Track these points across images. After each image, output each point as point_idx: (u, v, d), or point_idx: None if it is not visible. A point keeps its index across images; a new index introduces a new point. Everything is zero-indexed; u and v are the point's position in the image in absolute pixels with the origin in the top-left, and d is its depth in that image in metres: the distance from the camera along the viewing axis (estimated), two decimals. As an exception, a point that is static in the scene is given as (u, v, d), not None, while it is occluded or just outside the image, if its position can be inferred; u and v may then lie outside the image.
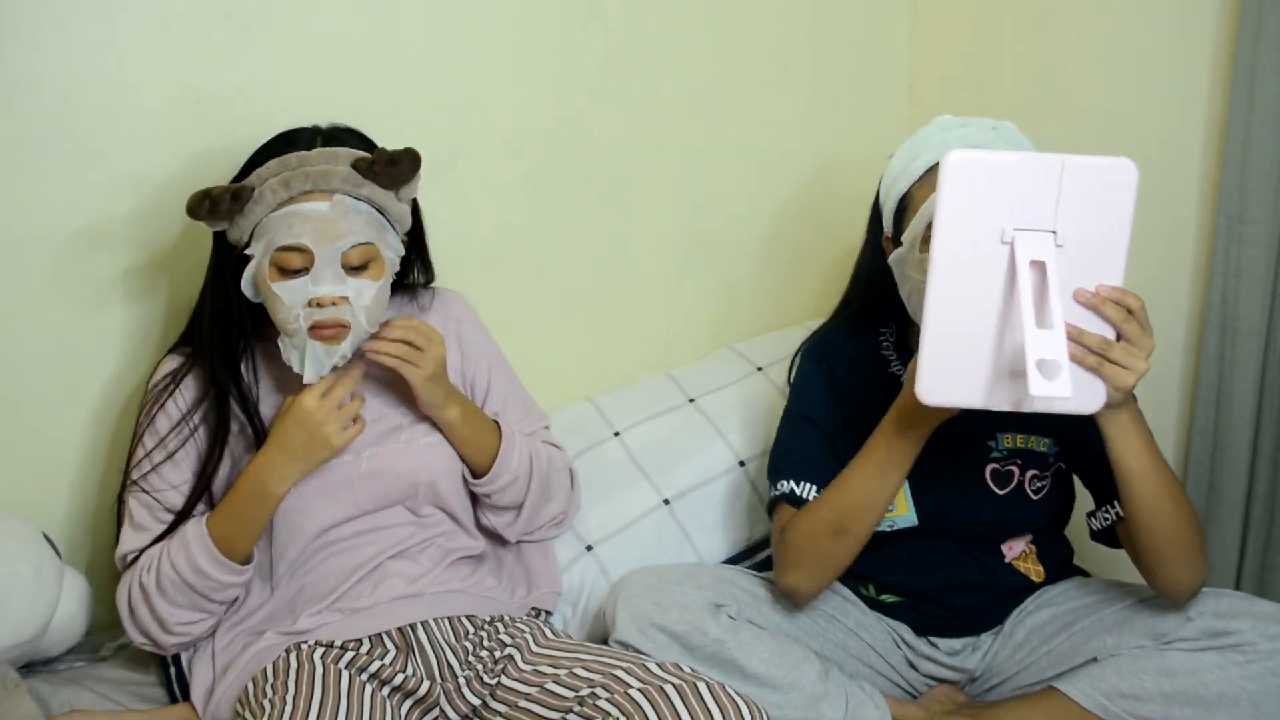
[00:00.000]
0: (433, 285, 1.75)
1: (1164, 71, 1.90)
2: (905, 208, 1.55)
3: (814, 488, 1.61)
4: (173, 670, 1.64)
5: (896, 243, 1.57)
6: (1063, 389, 1.26)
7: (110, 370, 1.76)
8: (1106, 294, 1.34)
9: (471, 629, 1.60)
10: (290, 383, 1.57)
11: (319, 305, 1.48)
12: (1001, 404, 1.36)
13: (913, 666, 1.70)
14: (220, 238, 1.56)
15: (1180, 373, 1.94)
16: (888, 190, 1.60)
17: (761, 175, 2.24)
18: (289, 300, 1.49)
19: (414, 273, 1.72)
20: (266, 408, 1.62)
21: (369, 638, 1.56)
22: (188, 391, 1.60)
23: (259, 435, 1.58)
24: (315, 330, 1.50)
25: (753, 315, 2.29)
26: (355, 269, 1.51)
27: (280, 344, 1.54)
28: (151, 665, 1.69)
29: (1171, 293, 1.92)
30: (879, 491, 1.53)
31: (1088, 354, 1.34)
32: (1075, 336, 1.33)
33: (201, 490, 1.58)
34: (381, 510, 1.64)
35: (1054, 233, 1.31)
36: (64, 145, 1.65)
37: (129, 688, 1.64)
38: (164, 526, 1.57)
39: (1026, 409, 1.35)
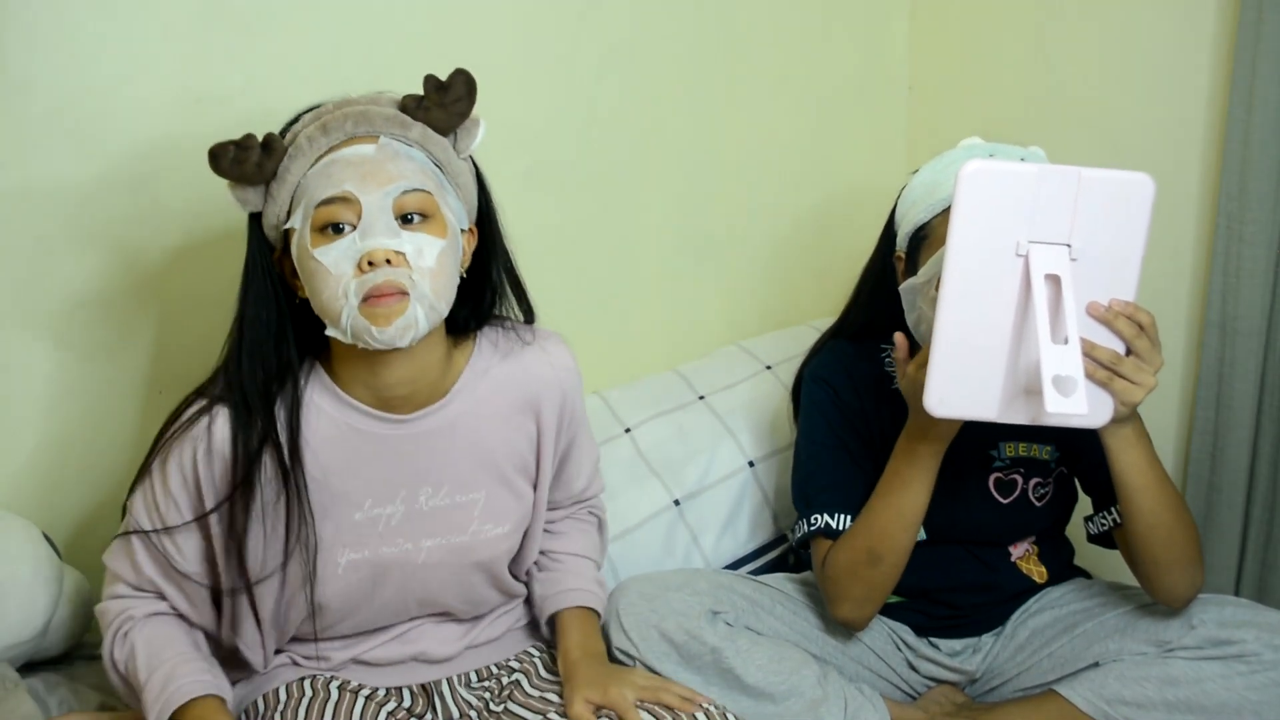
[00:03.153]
0: (533, 325, 1.50)
1: (1164, 72, 1.90)
2: (924, 238, 1.53)
3: (847, 516, 1.59)
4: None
5: (910, 269, 1.55)
6: (1079, 406, 1.25)
7: (110, 370, 1.76)
8: (1120, 309, 1.33)
9: (495, 670, 1.53)
10: (347, 436, 1.33)
11: (370, 265, 1.22)
12: (1016, 418, 1.34)
13: (913, 668, 1.70)
14: (256, 231, 1.33)
15: (1180, 373, 1.94)
16: (905, 212, 1.57)
17: (762, 174, 2.24)
18: (335, 266, 1.23)
19: (508, 306, 1.45)
20: (312, 455, 1.35)
21: (387, 688, 1.47)
22: (216, 457, 1.32)
23: (297, 490, 1.32)
24: (368, 304, 1.23)
25: (757, 314, 2.29)
26: (410, 221, 1.26)
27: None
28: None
29: (1171, 293, 1.92)
30: (904, 514, 1.52)
31: (1098, 368, 1.33)
32: (1087, 350, 1.32)
33: (218, 566, 1.36)
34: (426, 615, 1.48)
35: (1069, 246, 1.30)
36: (64, 145, 1.65)
37: (129, 688, 1.64)
38: (168, 585, 1.38)
39: (1043, 424, 1.34)
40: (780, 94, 2.23)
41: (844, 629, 1.67)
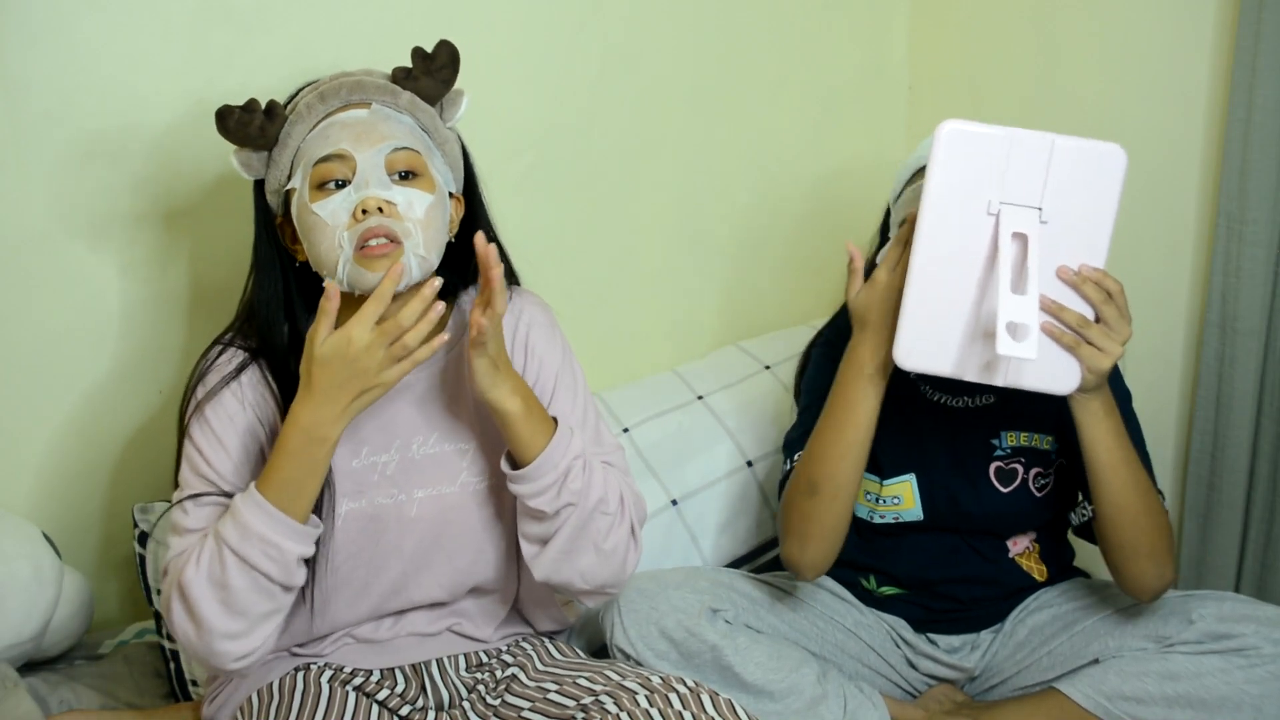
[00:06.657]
0: (512, 285, 1.58)
1: (1164, 71, 1.90)
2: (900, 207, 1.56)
3: None
4: (172, 667, 1.64)
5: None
6: (1029, 350, 1.29)
7: (110, 371, 1.76)
8: (1088, 274, 1.37)
9: (486, 658, 1.54)
10: None
11: (364, 213, 1.31)
12: (970, 372, 1.39)
13: (912, 666, 1.70)
14: (260, 198, 1.43)
15: (1180, 373, 1.94)
16: (894, 191, 1.61)
17: (762, 173, 2.24)
18: (332, 217, 1.32)
19: None
20: None
21: (380, 670, 1.49)
22: (251, 392, 1.42)
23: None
24: (363, 252, 1.31)
25: (755, 314, 2.29)
26: (402, 177, 1.36)
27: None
28: (150, 664, 1.69)
29: (1171, 293, 1.92)
30: (843, 441, 1.50)
31: (1065, 331, 1.37)
32: (1054, 311, 1.37)
33: None
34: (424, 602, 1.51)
35: (1039, 209, 1.35)
36: (64, 145, 1.65)
37: (128, 685, 1.64)
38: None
39: (997, 379, 1.38)
40: (780, 94, 2.23)
41: (846, 631, 1.68)
